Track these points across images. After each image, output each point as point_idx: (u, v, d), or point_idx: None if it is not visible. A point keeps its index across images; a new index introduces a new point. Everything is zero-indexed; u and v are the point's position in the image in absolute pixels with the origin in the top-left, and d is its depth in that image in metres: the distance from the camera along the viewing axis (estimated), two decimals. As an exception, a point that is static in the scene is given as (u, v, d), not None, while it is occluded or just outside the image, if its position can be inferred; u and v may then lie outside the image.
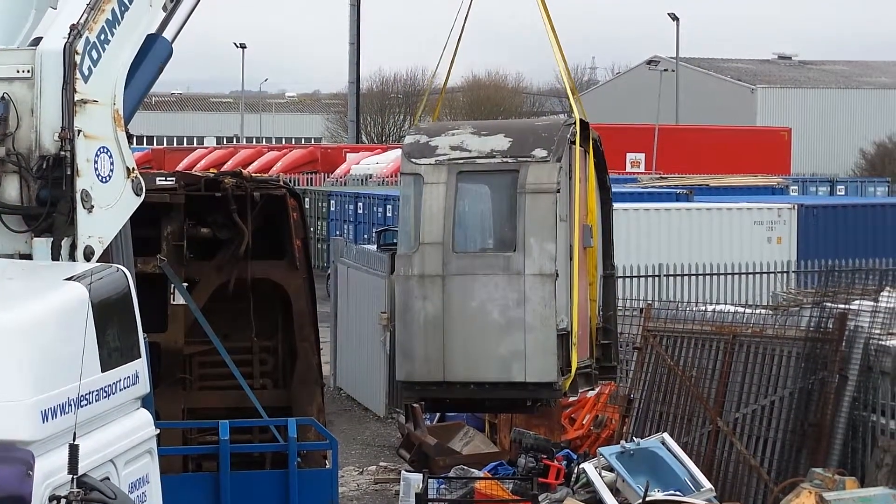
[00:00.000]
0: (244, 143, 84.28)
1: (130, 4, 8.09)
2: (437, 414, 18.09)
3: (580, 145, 10.07)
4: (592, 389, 12.01)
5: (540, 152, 9.79)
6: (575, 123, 10.05)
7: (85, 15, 7.72)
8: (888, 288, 17.11)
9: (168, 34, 8.69)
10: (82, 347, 6.14)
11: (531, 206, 9.64)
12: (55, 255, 7.52)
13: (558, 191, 9.68)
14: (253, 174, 13.08)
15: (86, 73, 7.67)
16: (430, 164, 9.90)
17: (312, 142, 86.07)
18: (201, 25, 9.10)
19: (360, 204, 40.69)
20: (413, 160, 9.98)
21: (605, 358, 10.87)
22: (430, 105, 11.37)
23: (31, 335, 5.98)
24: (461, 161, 9.89)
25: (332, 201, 42.56)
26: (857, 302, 15.55)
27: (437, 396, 10.23)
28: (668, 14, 64.99)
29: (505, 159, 9.87)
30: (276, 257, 12.07)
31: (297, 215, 12.05)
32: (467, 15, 10.74)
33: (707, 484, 13.83)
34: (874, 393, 14.16)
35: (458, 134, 10.12)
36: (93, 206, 7.63)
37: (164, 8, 8.63)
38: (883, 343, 14.58)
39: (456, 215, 9.78)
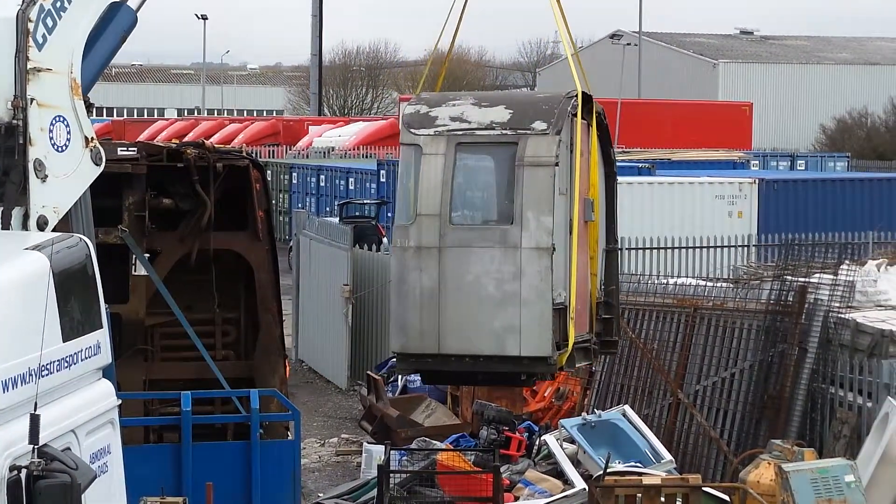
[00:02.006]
0: (205, 115, 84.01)
1: None
2: (400, 386, 18.15)
3: (583, 118, 9.96)
4: (592, 364, 11.97)
5: (540, 125, 9.68)
6: (577, 96, 9.91)
7: None
8: (847, 262, 17.23)
9: (133, 3, 8.63)
10: (43, 317, 6.12)
11: (529, 180, 9.54)
12: (5, 225, 7.43)
13: (557, 164, 9.56)
14: (216, 145, 13.03)
15: (40, 41, 7.58)
16: (429, 134, 9.77)
17: (274, 114, 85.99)
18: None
19: (322, 177, 40.66)
20: (412, 131, 9.83)
21: (607, 332, 10.75)
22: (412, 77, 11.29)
23: (-9, 305, 5.96)
24: (460, 132, 9.77)
25: (294, 174, 42.51)
26: (816, 276, 15.65)
27: (431, 369, 10.11)
28: (630, -12, 65.18)
29: (504, 131, 9.74)
30: (238, 228, 12.06)
31: (260, 186, 12.03)
32: None
33: (667, 455, 13.92)
34: (833, 365, 14.27)
35: (459, 105, 9.98)
36: (47, 176, 7.55)
37: None
38: (842, 316, 14.69)
39: (454, 187, 9.66)
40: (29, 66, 7.51)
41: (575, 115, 9.86)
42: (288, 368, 16.09)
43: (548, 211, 9.52)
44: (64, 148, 7.73)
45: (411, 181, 9.78)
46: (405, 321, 9.77)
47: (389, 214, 33.66)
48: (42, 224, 7.53)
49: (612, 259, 10.82)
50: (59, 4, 7.73)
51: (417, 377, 17.96)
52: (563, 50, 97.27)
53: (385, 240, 29.65)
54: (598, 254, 10.49)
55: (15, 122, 7.47)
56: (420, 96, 10.27)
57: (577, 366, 10.54)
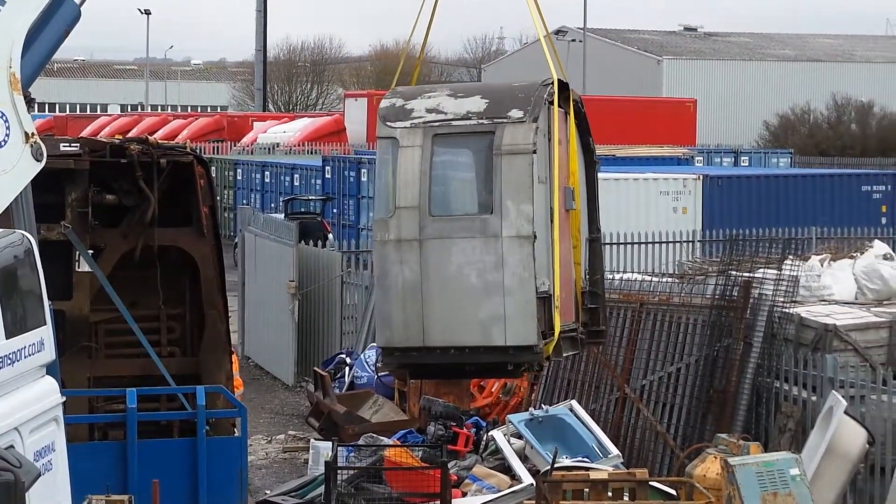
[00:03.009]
0: (149, 111, 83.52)
1: None
2: (347, 382, 18.13)
3: (560, 106, 9.91)
4: (578, 354, 11.90)
5: (516, 113, 9.61)
6: (552, 84, 9.85)
7: None
8: (791, 257, 17.34)
9: None
10: (-16, 314, 6.10)
11: (507, 168, 9.49)
12: None
13: (534, 151, 9.50)
14: (159, 141, 12.96)
15: None
16: (405, 127, 9.70)
17: (219, 110, 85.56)
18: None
19: (267, 173, 40.54)
20: (388, 123, 9.78)
21: (594, 322, 10.72)
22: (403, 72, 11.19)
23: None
24: (437, 124, 9.70)
25: (239, 170, 42.37)
26: (761, 271, 15.75)
27: (416, 362, 10.01)
28: (576, -15, 65.33)
29: (481, 121, 9.68)
30: (183, 225, 12.00)
31: (205, 182, 11.98)
32: None
33: (614, 450, 13.96)
34: (778, 360, 14.38)
35: (435, 97, 9.94)
36: None
37: None
38: (786, 311, 14.81)
39: (432, 178, 9.60)
40: None
41: (552, 102, 9.80)
42: (237, 363, 16.07)
43: (527, 199, 9.47)
44: (3, 143, 7.65)
45: (389, 174, 9.71)
46: (388, 315, 9.71)
47: (335, 210, 33.63)
48: None
49: (596, 248, 10.78)
50: None
51: (365, 374, 18.02)
52: (508, 46, 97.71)
53: (330, 236, 29.63)
54: (581, 243, 10.47)
55: None
56: (396, 90, 10.21)
57: (564, 355, 10.51)
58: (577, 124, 10.48)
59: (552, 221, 9.72)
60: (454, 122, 9.75)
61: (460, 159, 9.93)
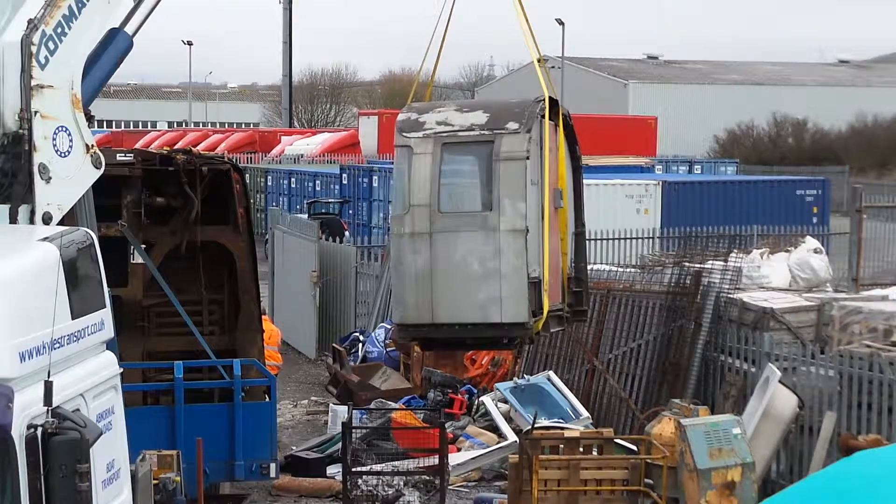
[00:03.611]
0: (192, 127, 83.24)
1: (88, 2, 7.93)
2: (360, 356, 18.16)
3: (550, 119, 9.86)
4: (563, 330, 11.86)
5: (512, 125, 9.60)
6: (543, 101, 9.85)
7: (42, 10, 7.57)
8: (735, 251, 17.40)
9: (129, 29, 8.57)
10: (54, 299, 6.10)
11: (504, 172, 9.48)
12: (13, 220, 7.34)
13: (528, 158, 9.48)
14: (201, 152, 12.97)
15: (42, 61, 7.50)
16: (418, 137, 9.67)
17: (251, 126, 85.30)
18: (154, 24, 8.96)
19: (292, 179, 40.50)
20: (404, 134, 9.75)
21: (577, 303, 10.67)
22: (417, 91, 11.15)
23: (9, 288, 5.92)
24: (445, 134, 9.68)
25: (269, 177, 42.31)
26: (710, 262, 15.78)
27: (426, 336, 10.04)
28: (556, 19, 65.08)
29: (483, 132, 9.66)
30: (221, 223, 12.00)
31: (240, 187, 11.99)
32: (450, 15, 10.47)
33: (585, 413, 14.03)
34: (723, 337, 14.41)
35: (444, 111, 9.92)
36: (51, 178, 7.48)
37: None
38: (731, 296, 14.83)
39: (441, 181, 9.58)
40: (33, 84, 7.44)
41: (543, 116, 9.77)
42: (279, 335, 16.05)
43: (521, 198, 9.46)
44: (67, 153, 7.66)
45: (405, 177, 9.68)
46: (403, 297, 9.69)
47: (350, 211, 33.60)
48: (47, 219, 7.47)
49: (581, 241, 10.71)
50: (59, 30, 7.66)
51: (375, 349, 18.04)
52: (497, 72, 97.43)
53: (346, 233, 29.61)
54: (567, 236, 10.43)
55: (21, 131, 7.40)
56: (410, 105, 10.18)
57: (551, 331, 10.49)
58: (566, 135, 10.44)
59: (543, 218, 9.70)
60: (460, 133, 9.74)
61: (465, 165, 9.90)
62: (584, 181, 11.16)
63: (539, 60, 10.55)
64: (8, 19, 7.67)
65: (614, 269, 17.37)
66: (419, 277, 9.56)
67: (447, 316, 9.60)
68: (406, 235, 9.59)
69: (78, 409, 6.08)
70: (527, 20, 10.40)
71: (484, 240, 9.50)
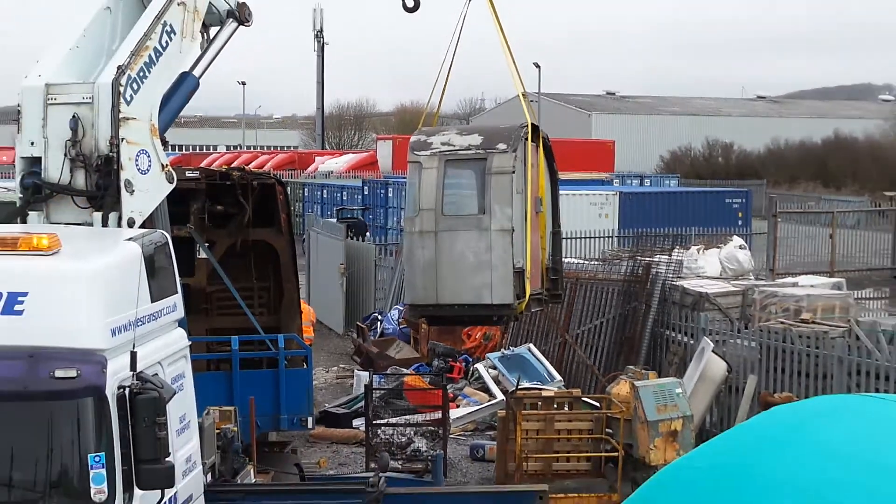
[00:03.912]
0: (244, 150, 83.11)
1: (164, 51, 7.92)
2: (378, 331, 18.16)
3: (532, 141, 9.82)
4: (542, 310, 11.81)
5: (501, 146, 9.57)
6: (527, 126, 9.82)
7: (128, 58, 7.59)
8: (677, 248, 17.42)
9: (196, 72, 8.57)
10: (137, 286, 6.12)
11: (495, 183, 9.46)
12: (104, 224, 7.38)
13: (514, 172, 9.46)
14: (252, 169, 12.96)
15: (128, 99, 7.52)
16: (426, 154, 9.66)
17: (292, 149, 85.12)
18: (215, 67, 8.96)
19: (324, 191, 40.45)
20: (415, 152, 9.74)
21: (554, 288, 10.63)
22: (423, 117, 11.05)
23: (105, 278, 5.94)
24: (448, 152, 9.65)
25: (306, 189, 42.27)
26: (657, 257, 15.82)
27: (432, 314, 10.01)
28: (534, 64, 64.86)
29: (478, 151, 9.63)
30: (268, 226, 12.00)
31: (283, 197, 11.97)
32: (452, 61, 10.40)
33: (558, 377, 14.03)
34: (668, 316, 14.43)
35: (447, 134, 9.89)
36: (134, 191, 7.50)
37: (201, 46, 8.50)
38: (674, 283, 14.86)
39: (444, 190, 9.57)
40: (120, 116, 7.46)
41: (527, 139, 9.73)
42: (313, 314, 15.98)
43: (508, 204, 9.43)
44: (147, 171, 7.68)
45: (416, 187, 9.66)
46: (413, 282, 9.66)
47: (370, 216, 33.57)
48: (130, 224, 7.48)
49: (557, 239, 10.64)
50: (141, 74, 7.68)
51: (391, 326, 18.04)
52: (487, 105, 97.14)
53: (368, 234, 29.58)
54: (546, 235, 10.36)
55: (111, 154, 7.42)
56: (421, 129, 10.16)
57: (532, 310, 10.47)
58: (545, 154, 10.39)
59: (526, 220, 9.67)
60: (460, 152, 9.71)
61: (463, 177, 9.85)
62: (560, 192, 11.10)
63: (523, 94, 10.53)
64: (103, 66, 7.71)
65: (581, 261, 17.38)
66: (426, 267, 9.54)
67: (448, 298, 9.58)
68: (416, 233, 9.58)
69: (157, 374, 6.10)
70: (514, 62, 10.41)
71: (478, 237, 9.49)
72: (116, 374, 5.65)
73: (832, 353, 11.97)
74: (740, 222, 30.11)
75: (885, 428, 5.19)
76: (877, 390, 11.30)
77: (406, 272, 9.92)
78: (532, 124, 9.86)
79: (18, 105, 7.50)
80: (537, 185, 9.99)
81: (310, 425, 11.27)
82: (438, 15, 11.07)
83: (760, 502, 4.98)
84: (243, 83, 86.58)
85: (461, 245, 9.50)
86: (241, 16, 8.82)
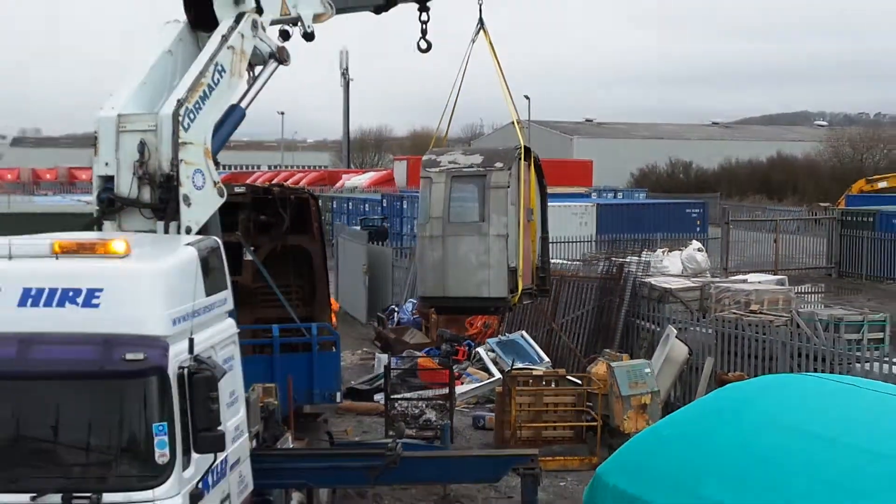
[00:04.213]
0: (283, 169, 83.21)
1: (216, 87, 7.91)
2: (395, 321, 18.15)
3: (525, 160, 9.85)
4: (532, 302, 11.86)
5: (499, 164, 9.59)
6: (520, 148, 9.84)
7: (186, 93, 7.60)
8: (646, 250, 17.39)
9: (243, 104, 8.58)
10: (194, 282, 6.13)
11: (493, 196, 9.48)
12: (166, 231, 7.39)
13: (508, 187, 9.49)
14: (289, 185, 12.94)
15: (186, 126, 7.51)
16: (436, 171, 9.68)
17: (323, 168, 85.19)
18: (258, 101, 8.97)
19: (350, 203, 40.48)
20: (427, 169, 9.77)
21: (542, 284, 10.61)
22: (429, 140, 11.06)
23: (167, 276, 5.95)
24: (454, 169, 9.67)
25: (335, 201, 42.32)
26: (629, 258, 15.79)
27: (440, 305, 10.09)
28: (524, 95, 64.80)
29: (479, 168, 9.64)
30: (303, 233, 11.97)
31: (315, 209, 11.91)
32: (461, 81, 10.30)
33: (546, 358, 14.03)
34: (638, 308, 14.43)
35: (453, 154, 9.91)
36: (191, 203, 7.48)
37: (247, 82, 8.51)
38: (643, 280, 14.85)
39: (450, 201, 9.59)
40: (179, 141, 7.46)
41: (520, 158, 9.74)
42: (338, 307, 15.90)
43: (504, 214, 9.45)
44: (201, 187, 7.66)
45: (427, 198, 9.68)
46: (425, 278, 9.67)
47: (388, 224, 33.56)
48: (188, 231, 7.47)
49: (545, 243, 10.63)
50: (197, 106, 7.68)
51: (406, 316, 18.04)
52: (486, 130, 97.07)
53: (387, 239, 29.58)
54: (536, 239, 10.36)
55: (172, 173, 7.43)
56: (431, 150, 10.16)
57: (524, 303, 10.47)
58: (536, 171, 10.37)
59: (519, 227, 9.67)
60: (464, 169, 9.71)
61: (466, 191, 9.83)
62: (547, 204, 11.09)
63: (517, 121, 10.56)
64: (165, 99, 7.73)
65: (566, 262, 17.37)
66: (435, 265, 9.57)
67: (454, 291, 9.60)
68: (427, 237, 9.61)
69: (210, 356, 6.10)
70: (510, 94, 10.43)
71: (479, 241, 9.50)
72: (177, 357, 5.67)
73: (777, 339, 11.96)
74: (698, 229, 30.06)
75: (820, 401, 5.20)
76: (815, 370, 11.29)
77: (419, 270, 9.93)
78: (525, 146, 9.86)
79: (95, 132, 7.51)
80: (528, 198, 9.99)
81: (338, 399, 11.21)
82: (445, 55, 11.08)
83: (716, 463, 5.00)
84: (282, 113, 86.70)
85: (464, 248, 9.51)
86: (281, 57, 8.82)
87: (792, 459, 4.72)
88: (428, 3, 10.29)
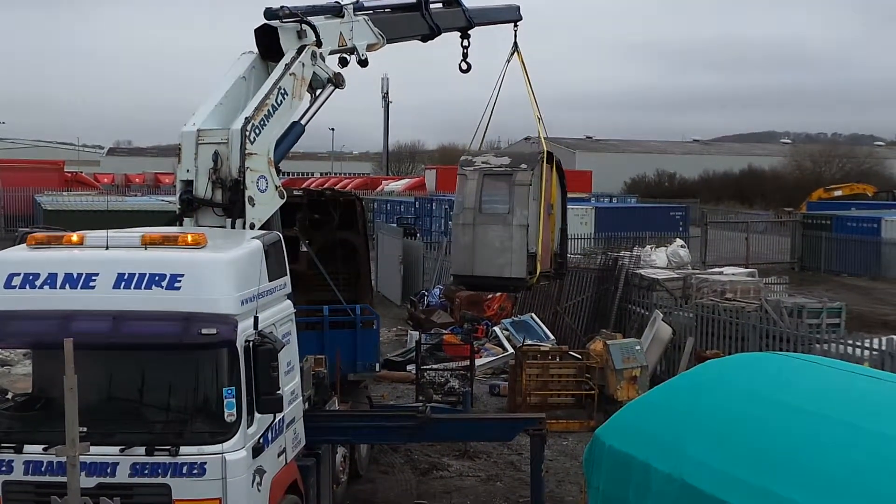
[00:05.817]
0: (333, 176, 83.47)
1: (279, 107, 7.91)
2: (426, 303, 18.14)
3: (547, 162, 9.81)
4: (549, 283, 11.82)
5: (524, 165, 9.59)
6: (543, 152, 9.80)
7: (252, 111, 7.61)
8: (636, 246, 17.22)
9: (304, 121, 8.57)
10: (259, 270, 6.14)
11: (517, 192, 9.47)
12: (234, 227, 7.42)
13: (531, 185, 9.47)
14: (338, 189, 12.94)
15: (252, 139, 7.52)
16: (471, 170, 9.69)
17: (366, 175, 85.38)
18: (316, 119, 8.96)
19: (388, 205, 40.51)
20: (463, 168, 9.78)
21: (559, 268, 10.54)
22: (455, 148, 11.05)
23: (236, 264, 5.96)
24: (486, 168, 9.67)
25: (376, 204, 42.34)
26: (622, 252, 15.65)
27: (469, 283, 10.04)
28: (536, 116, 64.28)
29: (507, 168, 9.64)
30: (350, 230, 11.97)
31: (360, 209, 11.93)
32: (496, 99, 10.16)
33: (552, 336, 13.96)
34: (630, 294, 14.32)
35: (485, 156, 9.90)
36: (255, 204, 7.49)
37: (309, 102, 8.50)
38: (635, 272, 14.71)
39: (482, 195, 9.58)
40: (246, 152, 7.47)
41: (542, 161, 9.69)
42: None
43: (526, 207, 9.42)
44: (264, 191, 7.68)
45: (462, 192, 9.65)
46: (457, 259, 9.67)
47: (420, 223, 33.51)
48: (252, 227, 7.48)
49: (564, 233, 10.56)
50: (262, 122, 7.70)
51: (434, 300, 18.02)
52: (503, 146, 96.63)
53: (418, 235, 29.56)
54: (556, 230, 10.28)
55: (240, 178, 7.44)
56: (468, 151, 10.19)
57: (541, 283, 10.44)
58: (558, 172, 10.28)
59: (539, 218, 9.62)
60: (494, 168, 9.69)
61: (496, 187, 9.78)
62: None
63: (542, 131, 10.43)
64: (237, 117, 7.74)
65: (569, 255, 17.22)
66: (466, 248, 9.56)
67: (481, 271, 9.59)
68: (460, 225, 9.62)
69: (272, 332, 6.12)
70: (538, 109, 10.31)
71: (503, 229, 9.48)
72: (244, 332, 5.69)
73: (748, 323, 11.82)
74: (681, 228, 29.75)
75: (786, 376, 5.13)
76: (780, 349, 11.14)
77: (452, 251, 9.96)
78: (548, 152, 9.82)
79: (178, 144, 7.56)
80: (549, 194, 9.94)
81: (377, 369, 11.21)
82: (472, 82, 10.98)
83: (698, 427, 4.94)
84: (332, 129, 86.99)
85: (491, 235, 9.48)
86: (337, 82, 8.80)
87: (763, 424, 4.69)
88: (469, 32, 10.24)
